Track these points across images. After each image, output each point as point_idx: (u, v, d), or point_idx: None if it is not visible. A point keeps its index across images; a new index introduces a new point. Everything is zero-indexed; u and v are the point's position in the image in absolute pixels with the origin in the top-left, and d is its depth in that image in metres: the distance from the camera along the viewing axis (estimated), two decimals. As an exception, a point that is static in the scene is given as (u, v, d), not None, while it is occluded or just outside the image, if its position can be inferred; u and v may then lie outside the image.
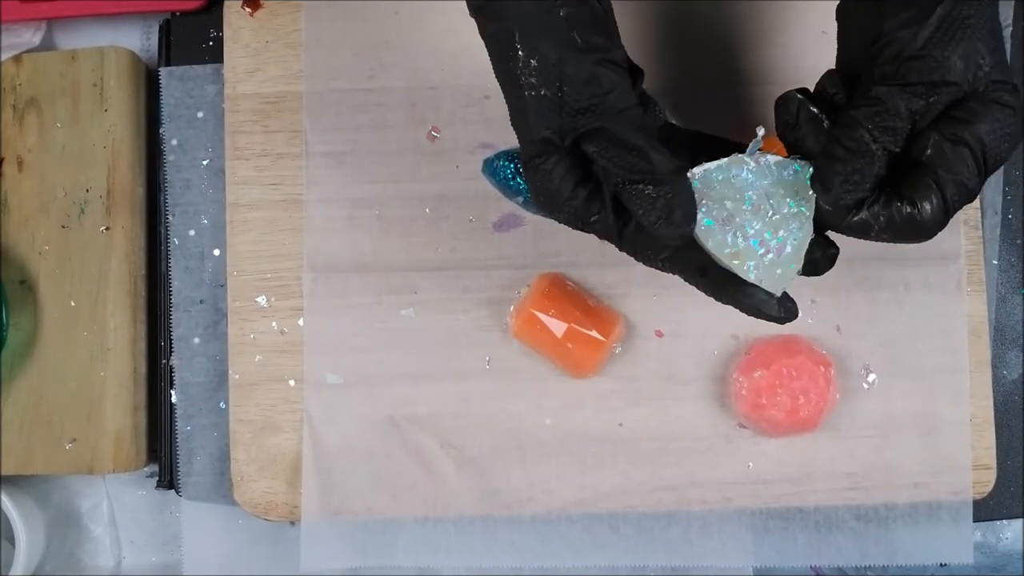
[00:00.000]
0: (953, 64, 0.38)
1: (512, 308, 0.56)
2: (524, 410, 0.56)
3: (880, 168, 0.38)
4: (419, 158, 0.57)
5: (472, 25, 0.42)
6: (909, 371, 0.56)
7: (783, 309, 0.41)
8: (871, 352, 0.56)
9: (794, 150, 0.41)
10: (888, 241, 0.40)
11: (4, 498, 0.57)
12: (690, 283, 0.43)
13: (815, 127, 0.40)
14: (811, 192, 0.40)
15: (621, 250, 0.42)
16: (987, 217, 0.57)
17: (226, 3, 0.59)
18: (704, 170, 0.40)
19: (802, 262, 0.41)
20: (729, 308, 0.42)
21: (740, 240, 0.40)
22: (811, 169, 0.40)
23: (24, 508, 0.58)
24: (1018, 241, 0.58)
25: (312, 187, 0.58)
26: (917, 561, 0.56)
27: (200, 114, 0.60)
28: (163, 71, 0.60)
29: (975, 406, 0.56)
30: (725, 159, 0.40)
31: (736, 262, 0.40)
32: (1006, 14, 0.58)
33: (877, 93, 0.39)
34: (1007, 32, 0.58)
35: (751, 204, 0.40)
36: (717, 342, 0.56)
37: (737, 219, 0.40)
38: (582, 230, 0.41)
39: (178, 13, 0.61)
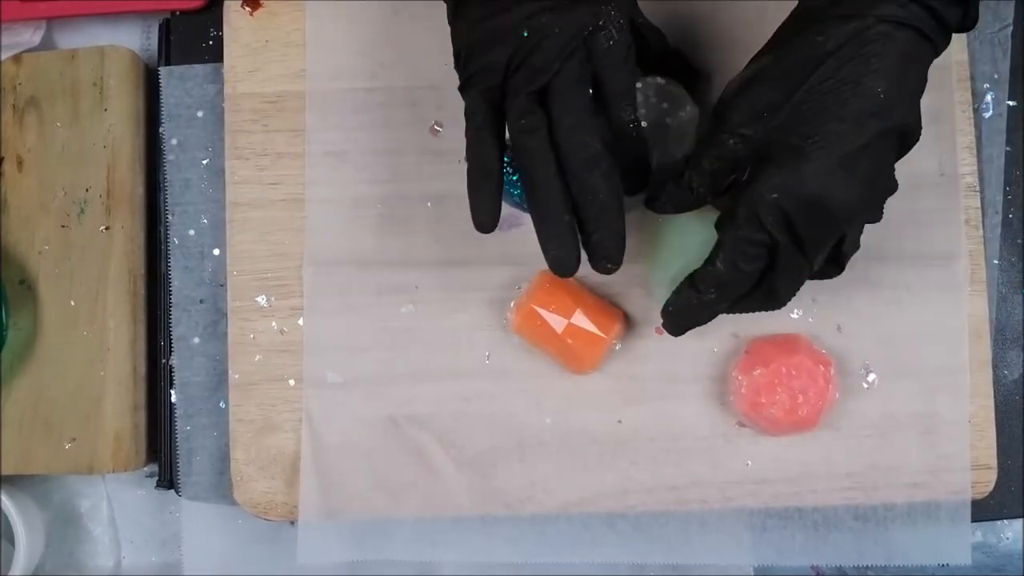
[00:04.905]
0: (733, 116, 0.45)
1: (512, 304, 0.56)
2: (524, 409, 0.56)
3: (685, 195, 0.47)
4: (420, 157, 0.57)
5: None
6: (909, 371, 0.56)
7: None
8: (871, 351, 0.56)
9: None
10: (734, 308, 0.48)
11: (4, 498, 0.57)
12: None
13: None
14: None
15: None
16: (988, 216, 0.57)
17: (226, 2, 0.59)
18: None
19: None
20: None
21: None
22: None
23: (24, 508, 0.58)
24: (1019, 240, 0.58)
25: (313, 186, 0.58)
26: (915, 561, 0.56)
27: (200, 113, 0.60)
28: (163, 70, 0.60)
29: (976, 406, 0.56)
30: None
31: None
32: (1006, 14, 0.58)
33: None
34: (1007, 32, 0.58)
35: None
36: (717, 340, 0.56)
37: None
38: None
39: (178, 12, 0.61)
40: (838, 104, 0.42)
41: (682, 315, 0.47)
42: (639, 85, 0.52)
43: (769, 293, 0.46)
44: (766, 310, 0.47)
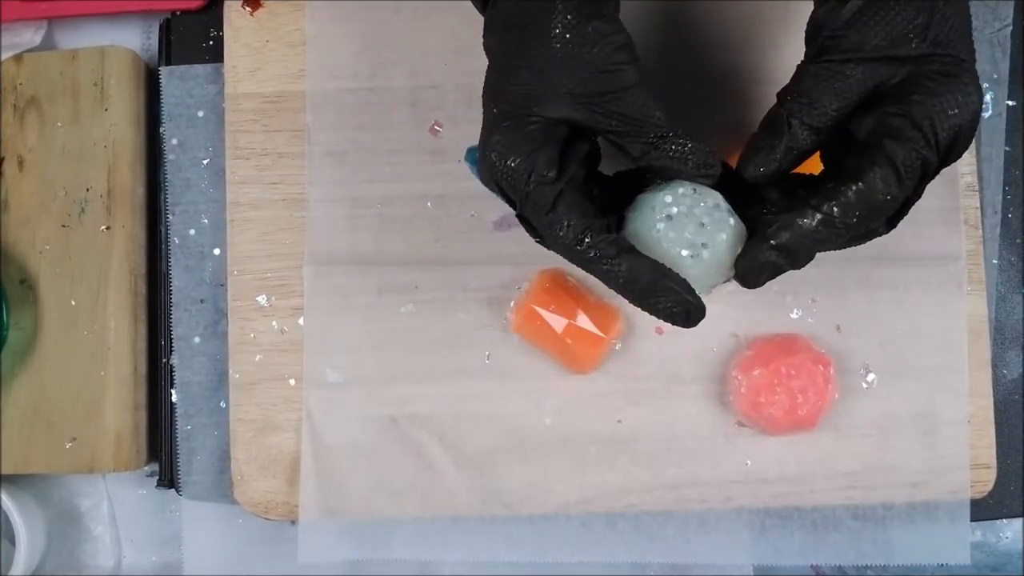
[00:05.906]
0: (869, 40, 0.39)
1: (512, 304, 0.56)
2: (524, 409, 0.56)
3: (796, 142, 0.40)
4: (421, 156, 0.57)
5: (473, 24, 0.42)
6: (908, 371, 0.56)
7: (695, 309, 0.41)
8: (870, 351, 0.56)
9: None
10: (850, 241, 0.41)
11: (4, 497, 0.58)
12: (606, 280, 0.41)
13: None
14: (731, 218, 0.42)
15: (542, 233, 0.41)
16: (987, 216, 0.57)
17: (226, 2, 0.59)
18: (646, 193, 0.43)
19: (726, 275, 0.42)
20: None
21: (685, 234, 0.41)
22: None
23: (24, 507, 0.58)
24: (1018, 240, 0.58)
25: (313, 186, 0.58)
26: (914, 561, 0.56)
27: (200, 113, 0.60)
28: (163, 70, 0.60)
29: (975, 405, 0.56)
30: (666, 183, 0.42)
31: (682, 251, 0.41)
32: (1006, 14, 0.58)
33: (798, 72, 0.41)
34: (1007, 32, 0.58)
35: (691, 215, 0.42)
36: (717, 340, 0.56)
37: (682, 221, 0.41)
38: (520, 207, 0.41)
39: (178, 12, 0.61)
40: (964, 23, 0.41)
41: (801, 250, 0.40)
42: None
43: (890, 220, 0.42)
44: (872, 238, 0.43)
